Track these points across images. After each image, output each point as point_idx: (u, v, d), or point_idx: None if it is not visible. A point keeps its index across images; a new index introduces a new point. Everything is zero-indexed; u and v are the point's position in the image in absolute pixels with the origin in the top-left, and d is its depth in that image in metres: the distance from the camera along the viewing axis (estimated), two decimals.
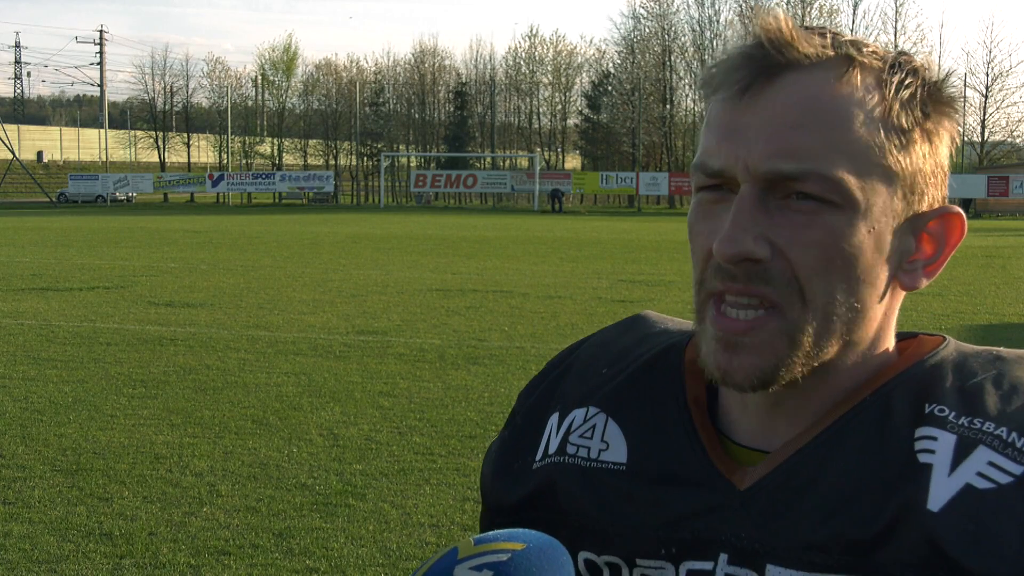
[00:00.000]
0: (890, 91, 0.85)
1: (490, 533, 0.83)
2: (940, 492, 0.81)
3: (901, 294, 0.91)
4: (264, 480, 6.20)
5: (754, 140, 0.84)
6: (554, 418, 1.00)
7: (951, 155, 0.91)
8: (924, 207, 0.88)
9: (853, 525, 0.83)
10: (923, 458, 0.83)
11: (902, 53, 0.89)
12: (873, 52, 0.87)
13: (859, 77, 0.85)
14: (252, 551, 5.08)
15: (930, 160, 0.87)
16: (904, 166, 0.85)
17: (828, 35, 0.86)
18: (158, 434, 7.23)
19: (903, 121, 0.85)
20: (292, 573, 4.85)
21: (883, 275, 0.87)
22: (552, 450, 0.98)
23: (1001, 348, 0.92)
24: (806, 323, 0.84)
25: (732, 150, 0.85)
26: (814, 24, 0.89)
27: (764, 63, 0.84)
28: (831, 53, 0.85)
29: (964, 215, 0.90)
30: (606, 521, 0.93)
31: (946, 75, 0.88)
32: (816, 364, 0.86)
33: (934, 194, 0.89)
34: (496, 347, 10.79)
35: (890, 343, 0.92)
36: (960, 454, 0.82)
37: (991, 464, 0.81)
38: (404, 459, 6.64)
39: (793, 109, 0.83)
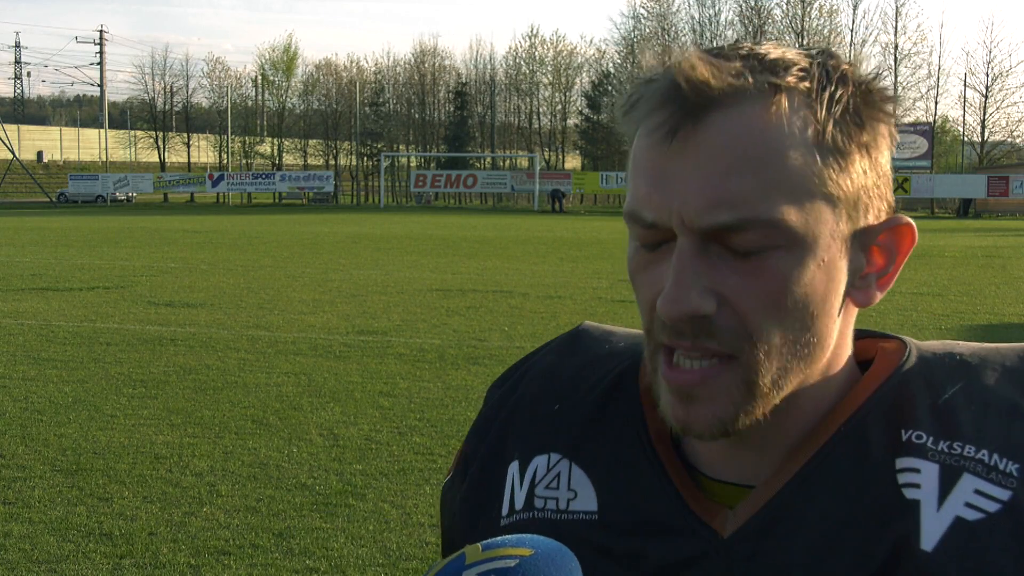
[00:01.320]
0: (821, 111, 0.80)
1: (499, 538, 0.82)
2: (932, 529, 0.79)
3: (854, 309, 0.87)
4: (264, 480, 6.20)
5: (686, 191, 0.79)
6: (514, 467, 0.96)
7: (892, 156, 0.87)
8: (871, 220, 0.84)
9: (844, 568, 0.80)
10: (909, 493, 0.80)
11: (828, 56, 0.83)
12: (797, 68, 0.80)
13: (786, 104, 0.79)
14: (252, 551, 5.08)
15: (872, 173, 0.83)
16: (845, 187, 0.81)
17: (745, 58, 0.80)
18: (158, 434, 7.24)
19: (838, 142, 0.80)
20: (292, 573, 4.85)
21: (836, 301, 0.83)
22: (519, 505, 0.94)
23: (959, 345, 0.89)
24: (760, 367, 0.81)
25: (664, 202, 0.80)
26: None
27: (685, 105, 0.79)
28: (751, 83, 0.79)
29: (913, 223, 0.86)
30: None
31: (875, 73, 0.84)
32: (777, 402, 0.82)
33: (879, 205, 0.85)
34: (496, 347, 10.79)
35: (849, 359, 0.89)
36: (946, 485, 0.80)
37: (978, 492, 0.79)
38: (404, 459, 6.64)
39: (723, 152, 0.78)
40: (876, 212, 0.85)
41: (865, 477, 0.82)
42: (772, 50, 0.82)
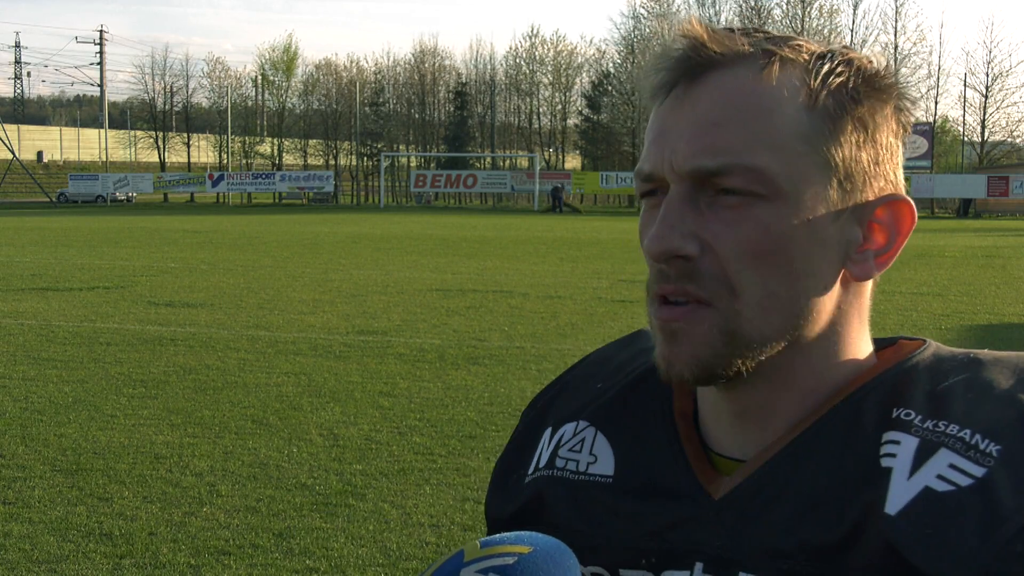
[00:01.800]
0: (816, 80, 0.84)
1: (496, 536, 0.83)
2: (899, 495, 0.80)
3: (858, 287, 0.89)
4: (264, 480, 6.20)
5: (677, 141, 0.85)
6: (547, 432, 1.02)
7: (903, 142, 0.89)
8: (869, 196, 0.86)
9: (818, 531, 0.83)
10: (885, 462, 0.82)
11: (843, 47, 0.88)
12: (801, 46, 0.86)
13: (780, 69, 0.84)
14: (252, 551, 5.08)
15: (867, 148, 0.86)
16: (835, 155, 0.84)
17: (755, 35, 0.86)
18: (158, 434, 7.24)
19: (831, 108, 0.84)
20: (292, 573, 4.85)
21: (824, 266, 0.86)
22: (542, 463, 1.00)
23: (983, 350, 0.91)
24: (740, 318, 0.84)
25: (659, 152, 0.86)
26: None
27: (683, 66, 0.85)
28: (749, 49, 0.84)
29: (912, 202, 0.88)
30: (592, 533, 0.94)
31: (886, 64, 0.87)
32: (762, 359, 0.85)
33: (879, 184, 0.87)
34: (496, 347, 10.79)
35: (862, 348, 0.91)
36: (920, 457, 0.81)
37: (952, 466, 0.80)
38: (404, 459, 6.64)
39: (714, 107, 0.84)
40: (875, 190, 0.87)
41: (852, 449, 0.84)
42: (784, 34, 0.88)
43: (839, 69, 0.85)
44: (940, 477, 0.80)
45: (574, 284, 17.14)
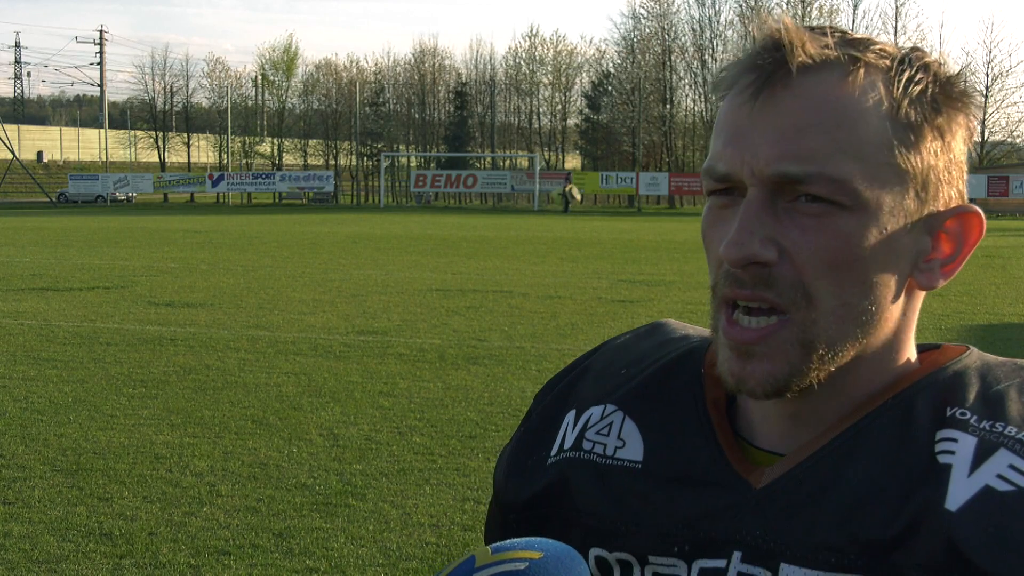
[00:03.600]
0: (898, 88, 0.84)
1: (507, 541, 0.83)
2: (959, 493, 0.80)
3: (919, 295, 0.90)
4: (264, 480, 6.20)
5: (760, 143, 0.83)
6: (570, 415, 1.00)
7: (969, 151, 0.89)
8: (940, 205, 0.87)
9: (871, 526, 0.82)
10: (942, 459, 0.82)
11: (915, 49, 0.88)
12: (881, 50, 0.86)
13: (865, 76, 0.84)
14: (252, 551, 5.08)
15: (943, 157, 0.86)
16: (915, 164, 0.84)
17: (834, 35, 0.86)
18: (158, 434, 7.23)
19: (912, 118, 0.84)
20: (292, 573, 4.85)
21: (897, 276, 0.86)
22: (567, 445, 0.98)
23: None
24: (816, 328, 0.84)
25: (738, 154, 0.85)
26: (815, 24, 0.89)
27: (770, 67, 0.84)
28: (835, 54, 0.84)
29: (982, 214, 0.89)
30: (619, 518, 0.93)
31: (960, 70, 0.87)
32: (833, 369, 0.85)
33: (950, 192, 0.87)
34: (496, 347, 10.79)
35: (911, 351, 0.91)
36: (980, 456, 0.81)
37: (1012, 467, 0.81)
38: (404, 459, 6.64)
39: (798, 112, 0.83)
40: (946, 199, 0.87)
41: (904, 446, 0.84)
42: (862, 35, 0.88)
43: (919, 76, 0.85)
44: (1000, 477, 0.81)
45: (574, 284, 17.13)
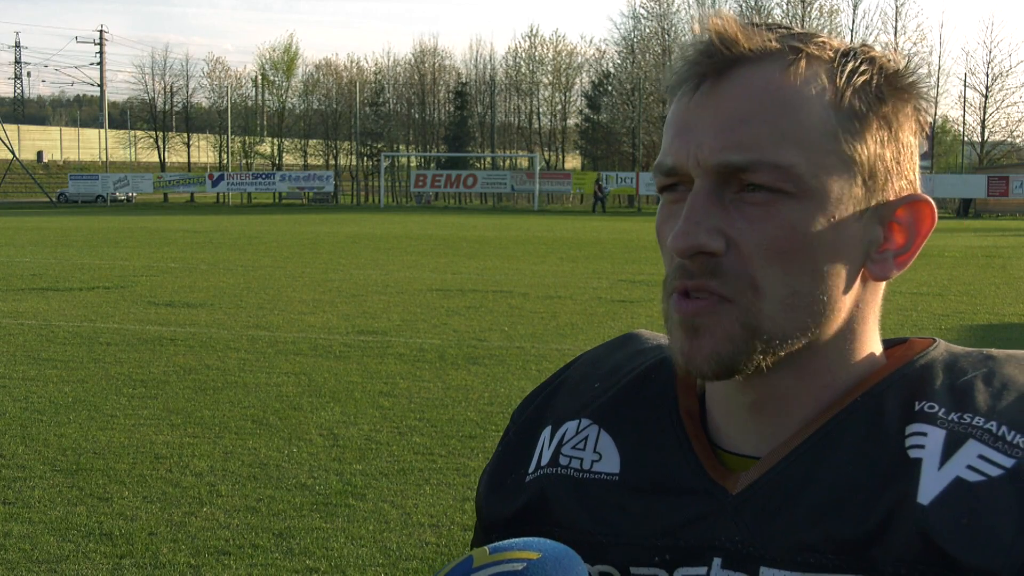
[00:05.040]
0: (841, 78, 0.85)
1: (505, 542, 0.83)
2: (930, 486, 0.81)
3: (875, 286, 0.90)
4: (264, 480, 6.20)
5: (703, 135, 0.84)
6: (546, 432, 1.01)
7: (920, 142, 0.89)
8: (890, 195, 0.87)
9: (845, 524, 0.83)
10: (913, 453, 0.83)
11: (863, 45, 0.88)
12: (825, 43, 0.86)
13: (807, 66, 0.84)
14: (252, 551, 5.08)
15: (890, 147, 0.86)
16: (860, 152, 0.84)
17: (776, 29, 0.87)
18: (158, 434, 7.24)
19: (856, 107, 0.84)
20: (292, 573, 4.85)
21: (847, 264, 0.86)
22: (544, 462, 0.99)
23: (992, 349, 0.91)
24: (761, 316, 0.84)
25: (683, 147, 0.85)
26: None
27: (712, 61, 0.85)
28: (776, 46, 0.85)
29: (933, 202, 0.88)
30: (599, 531, 0.93)
31: (907, 62, 0.87)
32: (782, 355, 0.85)
33: (899, 183, 0.87)
34: (496, 347, 10.79)
35: (875, 345, 0.91)
36: (950, 448, 0.82)
37: (981, 457, 0.81)
38: (404, 459, 6.64)
39: (741, 102, 0.83)
40: (896, 189, 0.88)
41: (874, 443, 0.85)
42: (806, 30, 0.88)
43: (863, 68, 0.85)
44: (971, 468, 0.81)
45: (574, 284, 17.13)
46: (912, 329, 12.03)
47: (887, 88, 0.86)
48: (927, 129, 0.90)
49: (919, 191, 0.89)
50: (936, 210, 0.88)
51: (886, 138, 0.86)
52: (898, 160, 0.87)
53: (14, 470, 6.38)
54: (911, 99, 0.87)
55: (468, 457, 6.69)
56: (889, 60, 0.87)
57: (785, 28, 0.87)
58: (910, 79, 0.87)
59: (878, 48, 0.88)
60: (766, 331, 0.84)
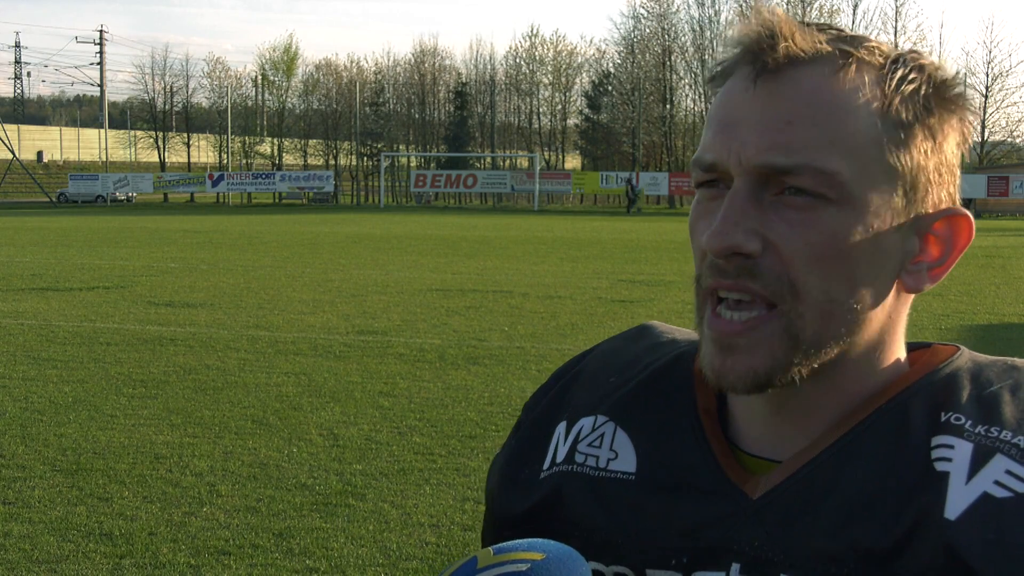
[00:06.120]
0: (890, 86, 0.83)
1: (510, 543, 0.83)
2: (957, 500, 0.80)
3: (906, 297, 0.89)
4: (264, 480, 6.20)
5: (748, 134, 0.83)
6: (561, 427, 0.99)
7: (962, 155, 0.88)
8: (929, 207, 0.86)
9: (869, 534, 0.82)
10: (940, 466, 0.82)
11: (912, 51, 0.87)
12: (876, 48, 0.85)
13: (856, 72, 0.83)
14: (252, 551, 5.08)
15: (933, 158, 0.85)
16: (904, 163, 0.83)
17: (828, 31, 0.85)
18: (158, 434, 7.23)
19: (903, 116, 0.83)
20: (292, 573, 4.85)
21: (883, 275, 0.85)
22: (560, 459, 0.97)
23: (1016, 359, 0.91)
24: (801, 320, 0.83)
25: (726, 144, 0.84)
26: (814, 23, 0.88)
27: (762, 59, 0.83)
28: (827, 48, 0.84)
29: (972, 217, 0.88)
30: (615, 531, 0.91)
31: (956, 73, 0.87)
32: (815, 365, 0.84)
33: (939, 194, 0.86)
34: (496, 347, 10.79)
35: (900, 352, 0.90)
36: (977, 462, 0.81)
37: (1009, 473, 0.80)
38: (404, 459, 6.64)
39: (789, 103, 0.82)
40: (935, 201, 0.86)
41: (900, 453, 0.84)
42: (858, 33, 0.88)
43: (912, 76, 0.84)
44: (998, 483, 0.80)
45: (574, 284, 17.13)
46: (912, 329, 11.93)
47: (935, 98, 0.85)
48: (971, 141, 0.89)
49: (958, 204, 0.88)
50: (974, 225, 0.88)
51: (930, 149, 0.85)
52: (940, 172, 0.86)
53: (14, 470, 6.38)
54: (957, 111, 0.86)
55: (468, 457, 6.69)
56: (938, 69, 0.86)
57: (836, 30, 0.86)
58: (957, 89, 0.86)
59: (930, 56, 0.87)
60: (805, 338, 0.83)
